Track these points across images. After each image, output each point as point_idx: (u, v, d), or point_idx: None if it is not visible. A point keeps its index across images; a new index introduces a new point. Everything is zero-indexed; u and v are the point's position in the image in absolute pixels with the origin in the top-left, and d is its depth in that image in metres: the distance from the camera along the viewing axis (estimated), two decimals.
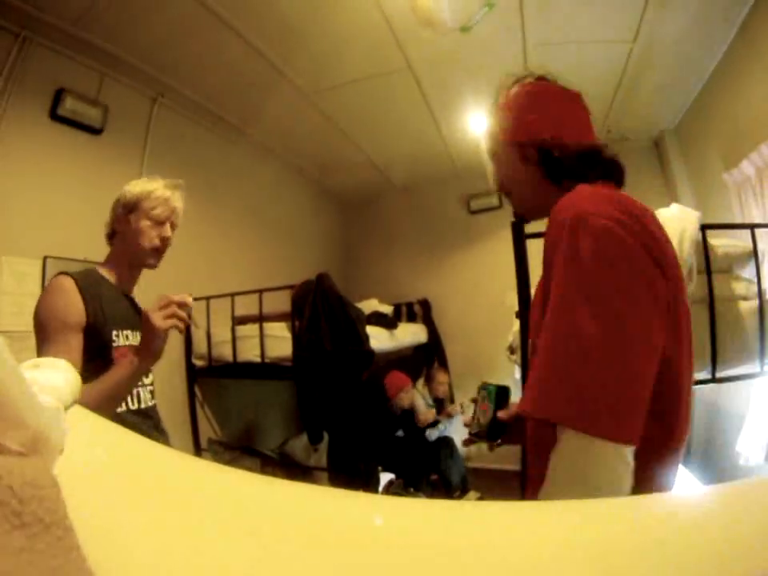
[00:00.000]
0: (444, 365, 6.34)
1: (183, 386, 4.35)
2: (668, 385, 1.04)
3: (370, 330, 4.20)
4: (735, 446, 3.43)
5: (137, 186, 2.11)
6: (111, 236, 2.14)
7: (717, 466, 3.99)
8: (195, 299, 4.38)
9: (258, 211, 5.61)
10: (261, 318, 3.99)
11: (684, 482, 3.05)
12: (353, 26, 3.62)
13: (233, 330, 4.16)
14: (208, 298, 4.29)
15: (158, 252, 2.11)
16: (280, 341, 3.92)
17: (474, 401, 1.61)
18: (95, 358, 1.84)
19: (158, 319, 1.74)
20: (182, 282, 4.36)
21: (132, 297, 2.21)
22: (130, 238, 2.06)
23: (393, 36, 3.73)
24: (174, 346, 4.33)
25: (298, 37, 3.71)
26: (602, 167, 1.33)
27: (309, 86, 4.43)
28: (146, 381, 2.09)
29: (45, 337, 1.77)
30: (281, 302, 4.05)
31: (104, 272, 2.08)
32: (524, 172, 1.40)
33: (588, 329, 0.95)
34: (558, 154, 1.32)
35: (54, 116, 3.41)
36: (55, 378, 0.66)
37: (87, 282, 1.94)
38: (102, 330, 1.90)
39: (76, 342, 1.80)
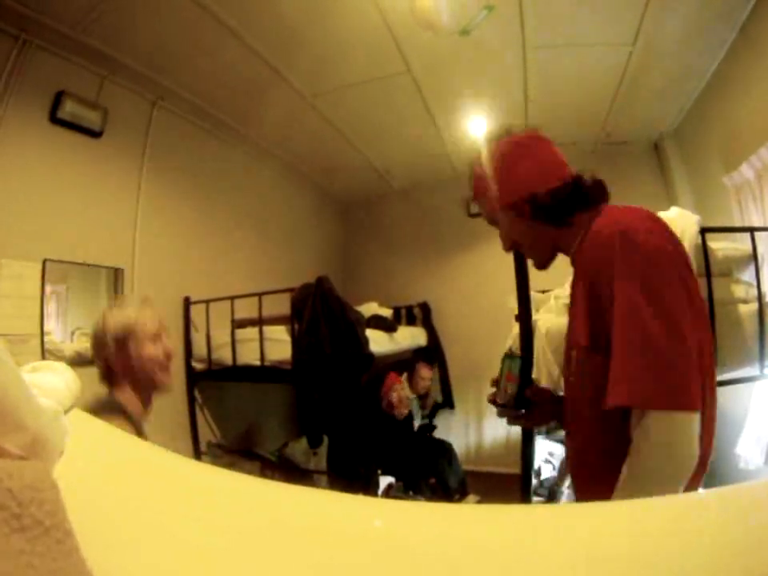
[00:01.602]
0: (429, 360, 6.28)
1: (183, 390, 4.34)
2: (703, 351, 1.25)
3: (370, 333, 4.20)
4: (735, 449, 3.42)
5: (116, 319, 2.02)
6: (110, 378, 2.00)
7: (716, 469, 3.98)
8: (195, 302, 4.39)
9: (257, 214, 5.61)
10: (260, 321, 3.98)
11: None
12: (352, 29, 3.62)
13: (232, 333, 4.15)
14: (207, 301, 4.28)
15: (168, 368, 2.09)
16: (279, 344, 3.91)
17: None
18: None
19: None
20: (182, 285, 4.37)
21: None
22: (138, 367, 1.98)
23: (392, 39, 3.73)
24: (173, 348, 4.33)
25: (297, 40, 3.71)
26: (591, 191, 1.45)
27: (308, 89, 4.43)
28: None
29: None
30: (280, 305, 4.04)
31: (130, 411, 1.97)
32: (525, 227, 1.51)
33: (654, 328, 1.15)
34: (550, 201, 1.43)
35: (54, 119, 3.41)
36: (55, 381, 0.66)
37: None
38: None
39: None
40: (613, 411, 1.19)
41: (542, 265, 1.59)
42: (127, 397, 1.95)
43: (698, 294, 1.30)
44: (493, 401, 1.79)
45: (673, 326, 1.16)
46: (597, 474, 1.35)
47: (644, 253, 1.21)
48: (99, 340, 1.98)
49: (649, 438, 1.14)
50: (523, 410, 1.71)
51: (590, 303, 1.31)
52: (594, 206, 1.43)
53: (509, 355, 1.70)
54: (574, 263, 1.48)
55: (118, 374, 1.97)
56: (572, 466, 1.63)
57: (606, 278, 1.24)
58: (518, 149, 1.50)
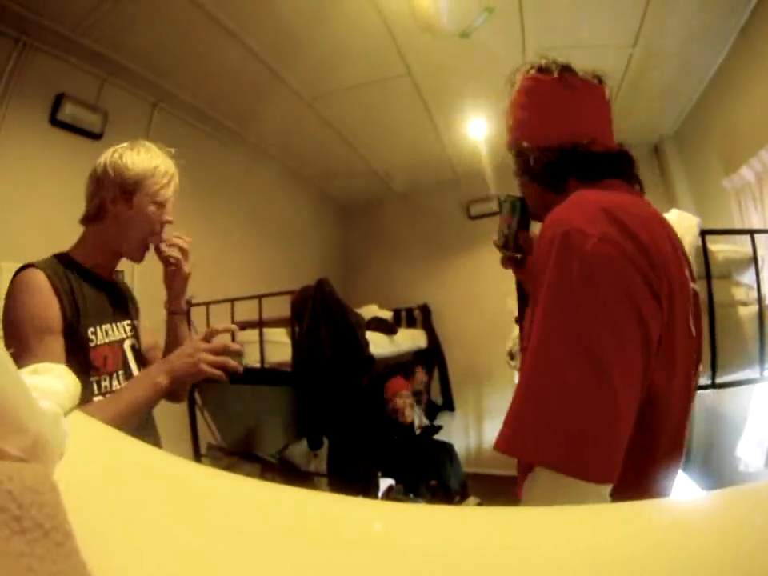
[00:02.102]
0: (424, 363, 6.28)
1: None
2: (652, 419, 1.00)
3: (370, 335, 4.20)
4: (735, 452, 3.43)
5: (134, 163, 1.84)
6: (94, 217, 1.83)
7: (716, 471, 3.98)
8: (195, 304, 4.38)
9: (257, 216, 5.61)
10: (260, 324, 3.98)
11: (683, 488, 3.04)
12: (352, 31, 3.63)
13: (232, 336, 4.15)
14: (207, 304, 4.28)
15: (149, 241, 1.92)
16: (280, 346, 3.91)
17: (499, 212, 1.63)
18: (71, 362, 1.53)
19: (204, 363, 1.58)
20: None
21: (112, 281, 1.95)
22: (125, 224, 1.80)
23: (392, 42, 3.74)
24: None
25: (297, 42, 3.71)
26: (597, 164, 1.25)
27: (308, 91, 4.44)
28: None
29: (21, 344, 1.48)
30: (280, 307, 4.04)
31: (78, 257, 1.81)
32: (523, 182, 1.38)
33: (567, 366, 0.91)
34: (532, 163, 1.28)
35: (54, 121, 3.41)
36: (55, 383, 0.66)
37: (57, 274, 1.67)
38: (77, 330, 1.63)
39: (58, 347, 1.55)
40: None
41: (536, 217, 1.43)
42: (84, 254, 1.82)
43: (677, 321, 1.02)
44: (496, 244, 1.68)
45: (594, 366, 0.89)
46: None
47: (585, 268, 0.94)
48: (102, 177, 1.84)
49: (531, 494, 0.94)
50: (519, 255, 1.58)
51: (532, 309, 1.06)
52: (593, 180, 1.21)
53: (508, 197, 1.56)
54: None
55: (103, 228, 1.83)
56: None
57: (538, 283, 1.02)
58: (544, 90, 1.34)
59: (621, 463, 0.89)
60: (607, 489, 0.88)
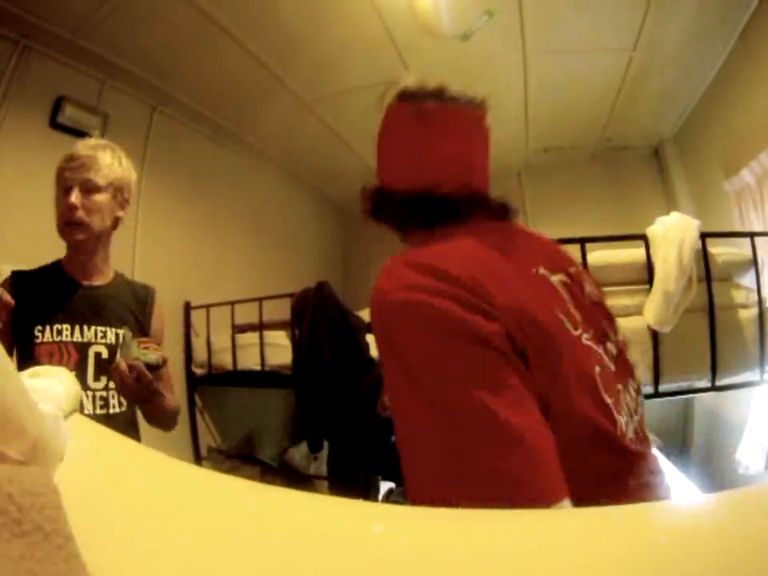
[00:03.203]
0: None
1: (183, 394, 4.33)
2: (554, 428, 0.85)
3: (370, 338, 4.20)
4: (735, 455, 3.43)
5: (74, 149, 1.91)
6: None
7: (716, 474, 3.98)
8: (195, 307, 4.38)
9: (257, 219, 5.62)
10: (261, 326, 3.99)
11: (683, 490, 3.04)
12: (352, 33, 3.63)
13: (233, 338, 4.15)
14: (208, 306, 4.29)
15: (69, 226, 1.80)
16: (280, 349, 3.91)
17: None
18: (19, 353, 1.67)
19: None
20: (183, 289, 4.37)
21: (87, 286, 1.88)
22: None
23: (393, 44, 3.74)
24: (174, 354, 4.33)
25: (297, 44, 3.72)
26: (439, 209, 1.12)
27: (308, 93, 4.45)
28: (95, 385, 1.78)
29: None
30: (281, 310, 4.05)
31: (64, 260, 1.88)
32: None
33: (423, 424, 0.82)
34: (385, 207, 1.20)
35: (54, 124, 3.41)
36: (55, 386, 0.66)
37: (33, 275, 1.78)
38: (24, 328, 1.68)
39: None
40: None
41: None
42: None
43: (527, 335, 0.87)
44: None
45: (446, 410, 0.79)
46: None
47: (393, 320, 0.89)
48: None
49: None
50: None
51: None
52: (433, 225, 1.11)
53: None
54: None
55: None
56: None
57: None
58: (391, 125, 1.20)
59: (561, 475, 0.77)
60: (565, 503, 0.73)
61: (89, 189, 1.85)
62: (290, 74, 4.13)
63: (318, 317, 3.74)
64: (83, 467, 0.55)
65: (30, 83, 3.26)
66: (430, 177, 1.12)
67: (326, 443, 4.48)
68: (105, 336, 1.85)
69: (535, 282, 0.98)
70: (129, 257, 3.81)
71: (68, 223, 1.80)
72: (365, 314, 4.87)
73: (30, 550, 0.32)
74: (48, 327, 1.71)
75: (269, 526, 0.50)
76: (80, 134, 3.52)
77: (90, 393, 1.75)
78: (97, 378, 1.78)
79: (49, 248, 1.91)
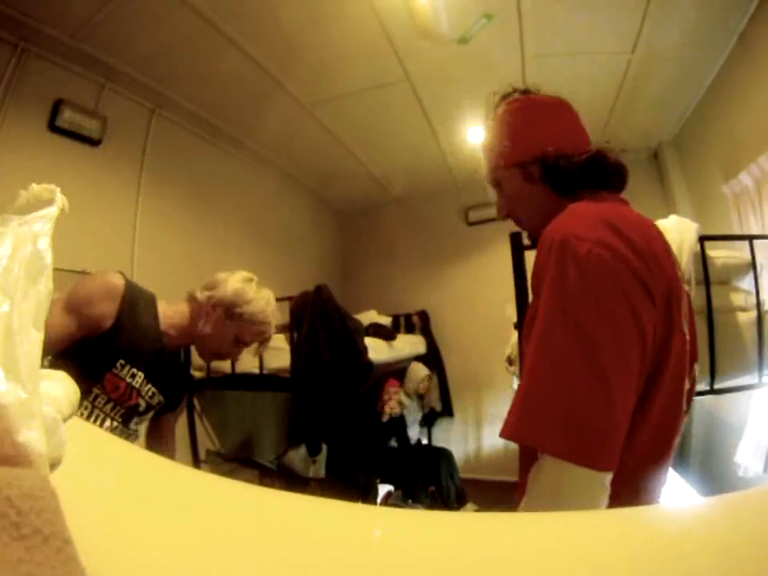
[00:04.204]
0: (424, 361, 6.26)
1: None
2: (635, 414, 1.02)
3: (369, 341, 4.20)
4: (734, 457, 3.42)
5: (252, 302, 2.11)
6: (195, 304, 2.08)
7: (715, 476, 3.98)
8: None
9: (256, 222, 5.61)
10: None
11: (682, 493, 3.04)
12: (351, 37, 3.63)
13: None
14: None
15: (217, 358, 2.20)
16: (278, 352, 3.91)
17: None
18: (90, 362, 1.72)
19: None
20: (182, 292, 4.37)
21: (170, 353, 2.07)
22: (209, 333, 2.01)
23: (391, 48, 3.75)
24: None
25: (296, 48, 3.72)
26: (608, 174, 1.31)
27: (307, 97, 4.45)
28: (132, 427, 1.95)
29: (66, 309, 1.65)
30: (279, 313, 4.05)
31: (161, 311, 1.99)
32: (530, 191, 1.37)
33: (568, 357, 0.96)
34: (563, 165, 1.30)
35: (53, 127, 3.41)
36: (54, 389, 0.66)
37: (134, 296, 1.85)
38: (110, 349, 1.76)
39: (73, 325, 1.67)
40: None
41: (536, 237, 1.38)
42: (169, 316, 2.02)
43: (663, 322, 1.05)
44: None
45: (593, 364, 0.94)
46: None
47: (582, 270, 0.99)
48: (216, 290, 2.12)
49: (538, 481, 0.98)
50: None
51: (532, 312, 1.11)
52: (596, 189, 1.28)
53: None
54: None
55: (193, 317, 2.06)
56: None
57: (538, 290, 1.08)
58: (543, 106, 1.40)
59: (619, 453, 0.94)
60: (607, 477, 0.93)
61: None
62: (289, 78, 4.13)
63: (316, 320, 3.74)
64: (82, 471, 0.55)
65: (29, 86, 3.26)
66: (586, 146, 1.35)
67: (324, 446, 4.47)
68: (152, 396, 1.97)
69: (678, 280, 1.13)
70: (128, 259, 3.81)
71: (217, 357, 2.19)
72: (363, 317, 4.87)
73: (29, 554, 0.32)
74: (128, 367, 1.82)
75: (268, 528, 0.50)
76: (79, 137, 3.52)
77: (127, 431, 1.90)
78: (134, 423, 1.94)
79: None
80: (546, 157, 1.31)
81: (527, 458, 1.07)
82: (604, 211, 1.12)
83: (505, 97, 1.43)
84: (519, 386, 1.03)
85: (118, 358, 1.78)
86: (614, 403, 0.94)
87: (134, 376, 1.84)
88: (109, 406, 1.81)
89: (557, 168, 1.30)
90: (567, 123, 1.40)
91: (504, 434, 1.00)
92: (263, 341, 2.15)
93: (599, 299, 0.98)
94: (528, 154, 1.34)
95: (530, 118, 1.38)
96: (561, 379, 0.96)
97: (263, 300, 2.14)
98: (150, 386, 1.91)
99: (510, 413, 1.01)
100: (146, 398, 1.93)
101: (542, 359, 1.00)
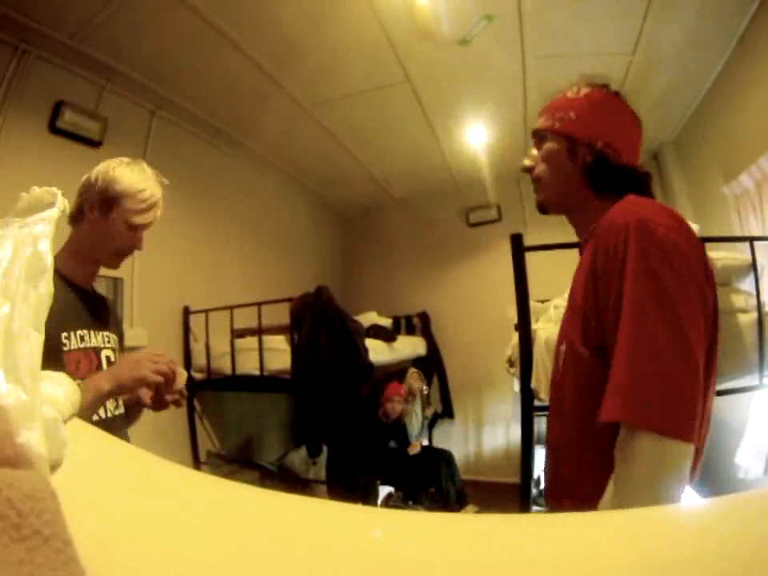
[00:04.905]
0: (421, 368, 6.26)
1: None
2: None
3: (369, 342, 4.20)
4: (734, 459, 3.42)
5: (123, 178, 1.82)
6: (75, 218, 1.83)
7: (716, 478, 3.97)
8: (194, 312, 4.37)
9: (256, 224, 5.62)
10: (260, 331, 3.98)
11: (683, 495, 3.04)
12: (352, 38, 3.63)
13: (232, 343, 4.15)
14: (207, 311, 4.28)
15: (123, 257, 1.89)
16: (279, 353, 3.91)
17: None
18: (43, 364, 1.57)
19: (147, 368, 1.54)
20: (181, 294, 4.36)
21: (92, 290, 1.92)
22: (97, 234, 1.81)
23: (392, 49, 3.74)
24: (173, 358, 4.32)
25: (296, 49, 3.72)
26: (638, 185, 1.37)
27: (308, 98, 4.45)
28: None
29: None
30: (280, 314, 4.04)
31: (58, 263, 1.62)
32: (567, 166, 1.41)
33: (662, 338, 1.04)
34: (612, 161, 1.36)
35: (53, 129, 3.41)
36: (54, 390, 0.66)
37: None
38: (50, 334, 1.60)
39: None
40: (602, 424, 1.07)
41: (545, 208, 1.51)
42: (65, 258, 1.80)
43: (714, 305, 1.18)
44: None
45: (682, 340, 1.04)
46: (571, 488, 1.26)
47: (663, 250, 1.08)
48: (88, 183, 1.84)
49: (638, 460, 1.02)
50: None
51: (590, 297, 1.21)
52: (623, 193, 1.32)
53: None
54: (581, 250, 1.42)
55: (79, 232, 1.84)
56: (547, 477, 1.47)
57: (614, 272, 1.13)
58: (622, 111, 1.44)
59: (697, 429, 1.04)
60: (692, 448, 1.02)
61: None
62: (289, 79, 4.13)
63: (317, 321, 3.74)
64: (82, 472, 0.55)
65: (30, 88, 3.26)
66: (635, 153, 1.44)
67: (324, 448, 4.47)
68: (109, 340, 1.87)
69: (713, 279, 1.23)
70: (128, 261, 3.81)
71: (123, 255, 1.89)
72: (364, 319, 4.87)
73: (30, 555, 0.32)
74: (72, 334, 1.70)
75: (268, 530, 0.50)
76: (79, 138, 3.52)
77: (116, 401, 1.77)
78: None
79: None
80: (597, 146, 1.37)
81: (590, 445, 1.20)
82: (662, 205, 1.26)
83: (596, 84, 1.48)
84: (617, 367, 1.08)
85: (59, 335, 1.65)
86: (699, 381, 1.04)
87: (82, 339, 1.73)
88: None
89: (604, 161, 1.36)
90: (631, 135, 1.45)
91: (612, 415, 1.06)
92: (152, 207, 1.90)
93: (683, 284, 1.08)
94: (587, 134, 1.39)
95: (606, 112, 1.43)
96: (658, 359, 1.03)
97: (127, 169, 1.88)
98: (98, 333, 1.81)
99: (612, 394, 1.07)
100: (106, 347, 1.83)
101: (642, 342, 1.06)
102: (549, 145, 1.46)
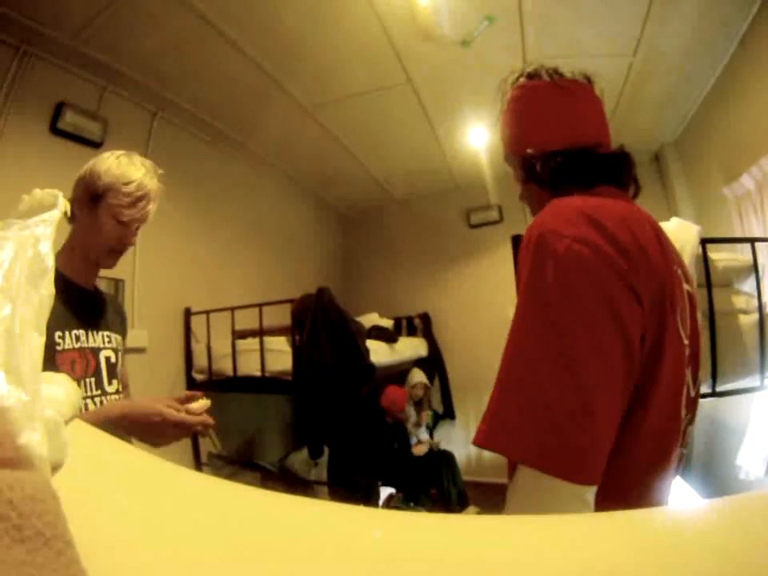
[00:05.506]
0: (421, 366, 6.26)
1: None
2: (630, 423, 0.96)
3: (371, 343, 4.20)
4: (735, 460, 3.42)
5: (108, 172, 1.75)
6: (71, 217, 1.79)
7: (717, 479, 3.97)
8: (195, 313, 4.37)
9: (257, 225, 5.62)
10: (261, 332, 3.98)
11: (684, 496, 3.04)
12: (353, 39, 3.63)
13: (233, 344, 4.15)
14: (208, 312, 4.28)
15: (117, 254, 1.82)
16: (280, 355, 3.91)
17: None
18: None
19: (166, 412, 1.48)
20: (183, 295, 4.36)
21: (93, 289, 1.89)
22: (87, 231, 1.77)
23: (393, 50, 3.75)
24: (174, 359, 4.32)
25: (298, 50, 3.72)
26: (599, 167, 1.22)
27: (309, 99, 4.45)
28: (110, 390, 1.77)
29: None
30: (281, 316, 4.04)
31: (59, 260, 1.67)
32: (523, 187, 1.34)
33: (543, 362, 0.90)
34: (539, 168, 1.24)
35: (54, 130, 3.42)
36: (55, 391, 0.66)
37: None
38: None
39: None
40: None
41: None
42: (63, 256, 1.76)
43: (668, 322, 0.98)
44: None
45: (571, 366, 0.88)
46: None
47: (559, 269, 0.92)
48: (79, 178, 1.79)
49: (514, 492, 0.92)
50: None
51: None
52: (592, 185, 1.19)
53: None
54: None
55: (74, 230, 1.80)
56: None
57: (517, 289, 1.04)
58: (541, 96, 1.33)
59: (602, 466, 0.88)
60: (589, 491, 0.86)
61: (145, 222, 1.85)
62: (290, 80, 4.13)
63: (318, 323, 3.74)
64: (83, 473, 0.55)
65: (31, 89, 3.26)
66: (587, 137, 1.26)
67: (326, 449, 4.47)
68: (111, 340, 1.85)
69: (674, 280, 1.04)
70: (129, 262, 3.81)
71: (115, 252, 1.81)
72: (365, 320, 4.87)
73: (31, 556, 0.32)
74: (67, 333, 1.67)
75: (269, 531, 0.50)
76: (80, 139, 3.52)
77: (107, 398, 1.74)
78: (110, 383, 1.78)
79: None
80: (525, 157, 1.28)
81: (511, 468, 0.98)
82: (588, 206, 1.03)
83: (513, 81, 1.41)
84: (493, 391, 0.96)
85: (52, 333, 1.61)
86: (592, 412, 0.87)
87: (78, 339, 1.70)
88: (91, 389, 1.70)
89: (537, 171, 1.25)
90: (560, 114, 1.30)
91: (475, 440, 0.93)
92: (139, 200, 1.78)
93: (578, 301, 0.91)
94: (513, 151, 1.34)
95: (522, 111, 1.35)
96: (535, 385, 0.90)
97: (114, 163, 1.78)
98: (97, 332, 1.79)
99: (482, 419, 0.95)
100: (106, 348, 1.81)
101: (516, 362, 0.95)
102: (511, 169, 1.40)
